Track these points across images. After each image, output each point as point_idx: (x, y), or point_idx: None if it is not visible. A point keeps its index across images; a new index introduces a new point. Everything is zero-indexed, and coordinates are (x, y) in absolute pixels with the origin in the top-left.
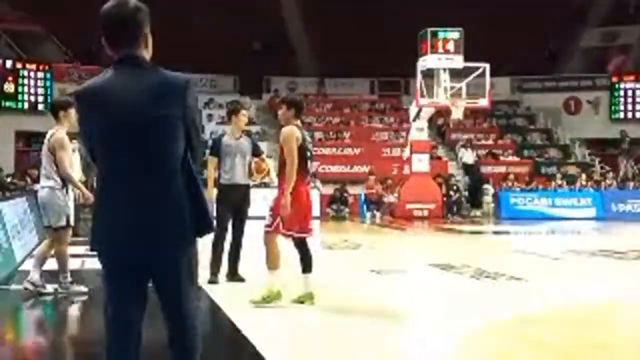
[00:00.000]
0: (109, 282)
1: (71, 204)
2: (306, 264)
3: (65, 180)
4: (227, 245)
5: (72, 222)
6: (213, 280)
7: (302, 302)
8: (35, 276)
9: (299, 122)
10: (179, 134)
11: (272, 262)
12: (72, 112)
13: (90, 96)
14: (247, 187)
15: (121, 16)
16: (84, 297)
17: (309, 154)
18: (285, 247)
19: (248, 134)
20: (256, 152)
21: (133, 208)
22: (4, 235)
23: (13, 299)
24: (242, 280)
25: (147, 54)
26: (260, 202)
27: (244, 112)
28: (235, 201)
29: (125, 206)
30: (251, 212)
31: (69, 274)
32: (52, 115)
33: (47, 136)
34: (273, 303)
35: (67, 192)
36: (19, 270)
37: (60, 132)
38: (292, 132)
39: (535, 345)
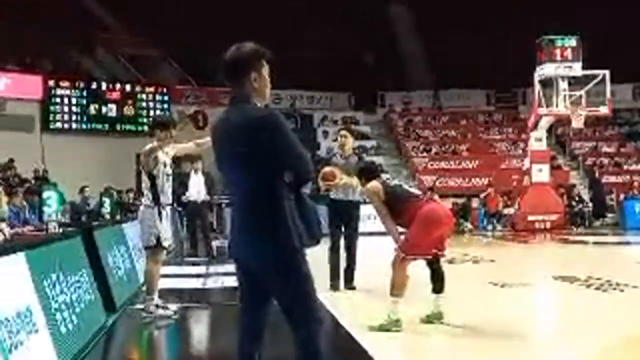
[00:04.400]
0: (238, 285)
1: (165, 225)
2: (437, 284)
3: (160, 200)
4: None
5: (163, 243)
6: (332, 286)
7: (431, 322)
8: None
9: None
10: (261, 167)
11: (396, 288)
12: (169, 132)
13: (212, 130)
14: (354, 202)
15: (229, 60)
16: (170, 321)
17: (399, 188)
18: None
19: (363, 149)
20: None
21: (236, 223)
22: (127, 255)
23: (137, 319)
24: (353, 289)
25: (255, 92)
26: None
27: (342, 132)
28: (344, 216)
29: (233, 221)
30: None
31: (156, 296)
32: (150, 130)
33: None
34: (392, 331)
35: (160, 212)
36: (143, 290)
37: (149, 145)
38: (371, 192)
39: None
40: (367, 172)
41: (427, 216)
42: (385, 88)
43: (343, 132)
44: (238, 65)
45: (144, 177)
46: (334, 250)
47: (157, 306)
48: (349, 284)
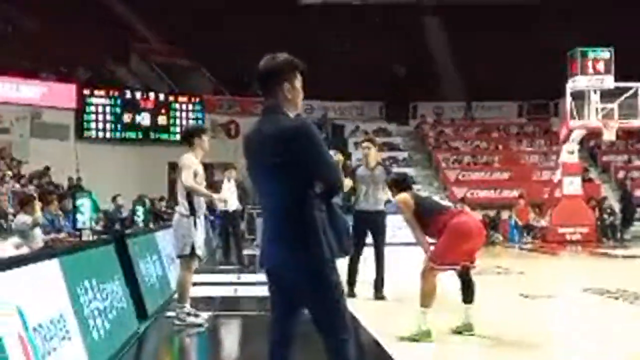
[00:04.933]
0: (269, 294)
1: (200, 234)
2: (467, 295)
3: (196, 210)
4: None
5: (198, 252)
6: (349, 294)
7: (460, 333)
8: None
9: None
10: (292, 177)
11: (425, 299)
12: (205, 139)
13: (244, 140)
14: (380, 212)
15: (263, 70)
16: (201, 329)
17: (429, 200)
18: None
19: (395, 160)
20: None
21: (267, 233)
22: (159, 263)
23: (170, 326)
24: (383, 298)
25: (288, 103)
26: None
27: (365, 144)
28: (371, 226)
29: (264, 230)
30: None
31: (187, 305)
32: (185, 142)
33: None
34: (422, 342)
35: (195, 222)
36: (174, 297)
37: (186, 155)
38: (401, 203)
39: None
40: (398, 184)
41: (456, 228)
42: (417, 99)
43: (366, 144)
44: (271, 75)
45: (181, 186)
46: (353, 260)
47: (188, 314)
48: (379, 294)
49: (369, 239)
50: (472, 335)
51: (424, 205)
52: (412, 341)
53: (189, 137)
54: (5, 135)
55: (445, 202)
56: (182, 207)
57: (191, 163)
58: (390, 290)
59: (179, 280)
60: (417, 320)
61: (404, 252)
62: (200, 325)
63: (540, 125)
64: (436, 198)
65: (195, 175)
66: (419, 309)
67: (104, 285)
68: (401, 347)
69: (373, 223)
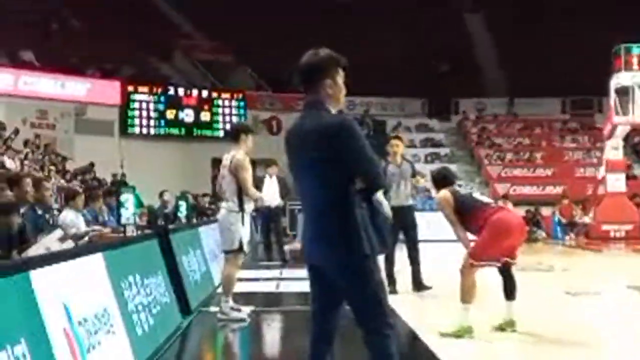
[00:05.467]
0: (310, 289)
1: (246, 229)
2: (509, 291)
3: (243, 205)
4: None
5: (245, 247)
6: (391, 290)
7: (503, 329)
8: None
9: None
10: (333, 173)
11: (465, 295)
12: (251, 138)
13: (286, 136)
14: (410, 207)
15: (305, 66)
16: (243, 324)
17: (469, 197)
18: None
19: (437, 156)
20: (413, 174)
21: (309, 229)
22: (202, 258)
23: (212, 321)
24: (428, 288)
25: (330, 99)
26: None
27: (395, 142)
28: (402, 222)
29: (304, 228)
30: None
31: (231, 299)
32: (232, 138)
33: (228, 159)
34: (464, 338)
35: (243, 217)
36: (217, 292)
37: (240, 154)
38: (441, 200)
39: None
40: (440, 179)
41: (496, 224)
42: (459, 94)
43: (396, 142)
44: (314, 71)
45: (231, 182)
46: (387, 258)
47: (232, 308)
48: (422, 285)
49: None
50: (514, 332)
51: (464, 202)
52: (453, 337)
53: (237, 133)
54: (50, 132)
55: (486, 199)
56: (231, 202)
57: (247, 164)
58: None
59: (225, 275)
60: (459, 317)
61: (442, 249)
62: (243, 319)
63: (584, 121)
64: (477, 194)
65: (270, 175)
66: (460, 305)
67: (147, 280)
68: (442, 343)
69: (405, 218)
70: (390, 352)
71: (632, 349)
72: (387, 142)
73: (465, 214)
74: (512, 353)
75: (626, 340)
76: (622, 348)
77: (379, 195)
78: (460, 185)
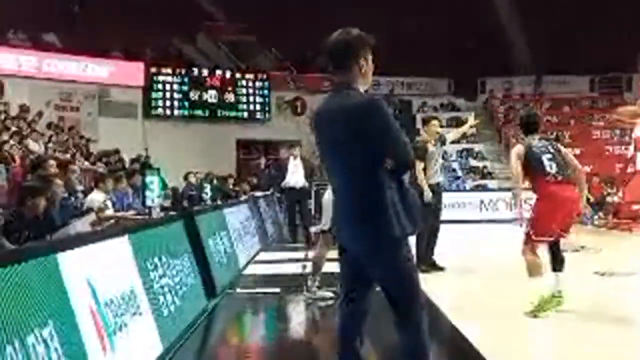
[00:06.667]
0: (340, 270)
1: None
2: (557, 263)
3: None
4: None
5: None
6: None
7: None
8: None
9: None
10: (363, 153)
11: (531, 271)
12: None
13: (314, 116)
14: (439, 185)
15: (337, 45)
16: (330, 302)
17: (537, 160)
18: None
19: (463, 135)
20: (443, 142)
21: (339, 211)
22: (227, 240)
23: (238, 303)
24: (441, 269)
25: (361, 79)
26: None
27: (435, 122)
28: (438, 199)
29: (334, 208)
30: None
31: (317, 279)
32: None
33: None
34: (551, 310)
35: None
36: (242, 274)
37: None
38: (514, 152)
39: None
40: (524, 126)
41: (550, 196)
42: (485, 73)
43: (435, 122)
44: (345, 51)
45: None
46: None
47: (318, 287)
48: (437, 266)
49: None
50: (559, 304)
51: (532, 163)
52: (539, 312)
53: None
54: (74, 114)
55: (554, 168)
56: None
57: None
58: (456, 266)
59: (318, 254)
60: (535, 291)
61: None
62: (330, 298)
63: (613, 99)
64: (547, 157)
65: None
66: (532, 281)
67: (173, 262)
68: (475, 325)
69: (440, 195)
70: (423, 333)
71: None
72: (425, 123)
73: (530, 173)
74: (549, 333)
75: None
76: None
77: (420, 177)
78: (540, 139)
